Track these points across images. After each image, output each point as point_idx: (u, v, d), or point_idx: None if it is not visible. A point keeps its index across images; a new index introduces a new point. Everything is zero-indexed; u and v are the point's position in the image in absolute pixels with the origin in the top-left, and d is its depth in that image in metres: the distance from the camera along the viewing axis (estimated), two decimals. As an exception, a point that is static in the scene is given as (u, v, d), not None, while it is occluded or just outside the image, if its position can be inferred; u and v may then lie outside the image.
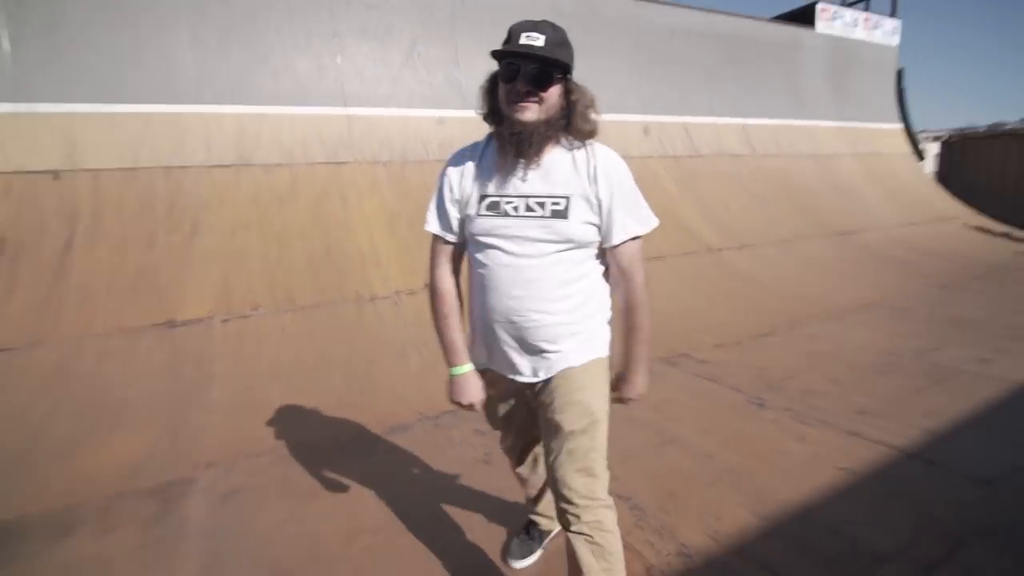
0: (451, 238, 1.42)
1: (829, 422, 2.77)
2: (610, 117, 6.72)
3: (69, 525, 2.11)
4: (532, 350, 1.35)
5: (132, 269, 3.83)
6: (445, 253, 1.44)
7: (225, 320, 3.70)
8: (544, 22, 1.25)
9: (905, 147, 10.48)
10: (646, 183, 7.21)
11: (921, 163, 10.69)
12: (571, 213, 1.28)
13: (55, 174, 4.06)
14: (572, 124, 1.29)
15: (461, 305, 1.47)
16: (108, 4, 4.34)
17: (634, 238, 1.33)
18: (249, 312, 3.81)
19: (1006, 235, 8.93)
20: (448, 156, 1.42)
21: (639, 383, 1.42)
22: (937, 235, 8.28)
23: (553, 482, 1.37)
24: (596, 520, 1.33)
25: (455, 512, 2.13)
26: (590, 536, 1.33)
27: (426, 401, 3.19)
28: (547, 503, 1.81)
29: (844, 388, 3.20)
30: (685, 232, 6.03)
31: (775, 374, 3.45)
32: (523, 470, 1.77)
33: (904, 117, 10.66)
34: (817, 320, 4.63)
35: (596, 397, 1.36)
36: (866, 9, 10.54)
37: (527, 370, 1.38)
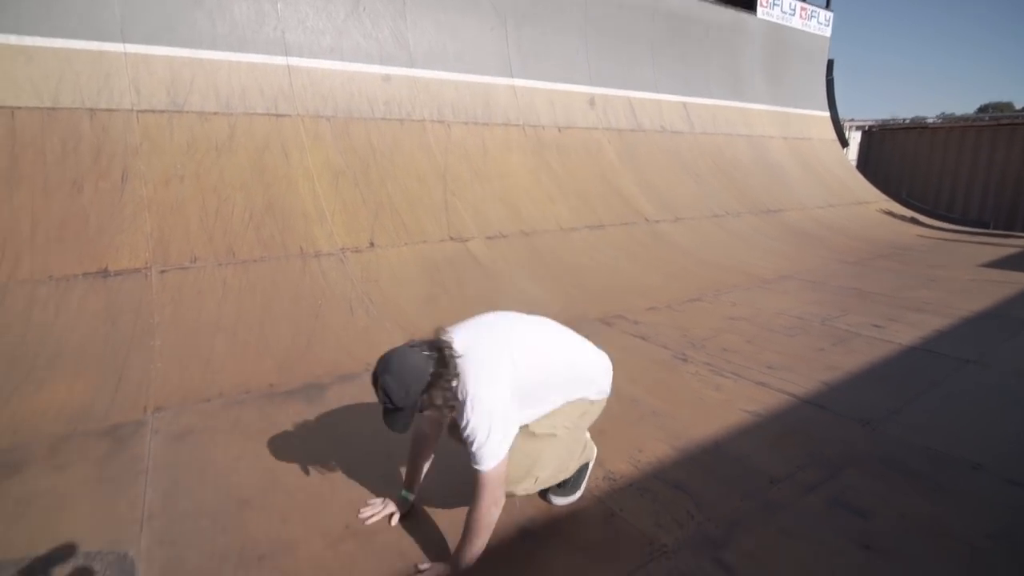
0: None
1: (742, 375, 3.09)
2: (557, 86, 6.86)
3: (16, 463, 2.10)
4: None
5: (58, 215, 3.63)
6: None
7: (163, 271, 3.60)
8: (376, 377, 1.53)
9: (831, 134, 11.22)
10: (590, 152, 7.40)
11: (845, 150, 11.49)
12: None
13: (-37, 109, 3.75)
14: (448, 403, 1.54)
15: None
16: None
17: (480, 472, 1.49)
18: (188, 264, 3.72)
19: (913, 220, 9.84)
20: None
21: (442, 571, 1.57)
22: (853, 217, 9.02)
23: None
24: None
25: (406, 445, 2.26)
26: None
27: (374, 353, 3.22)
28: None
29: (757, 347, 3.55)
30: (624, 203, 6.30)
31: (699, 334, 3.77)
32: None
33: (831, 105, 11.37)
34: (740, 288, 5.03)
35: None
36: (803, -1, 11.06)
37: None
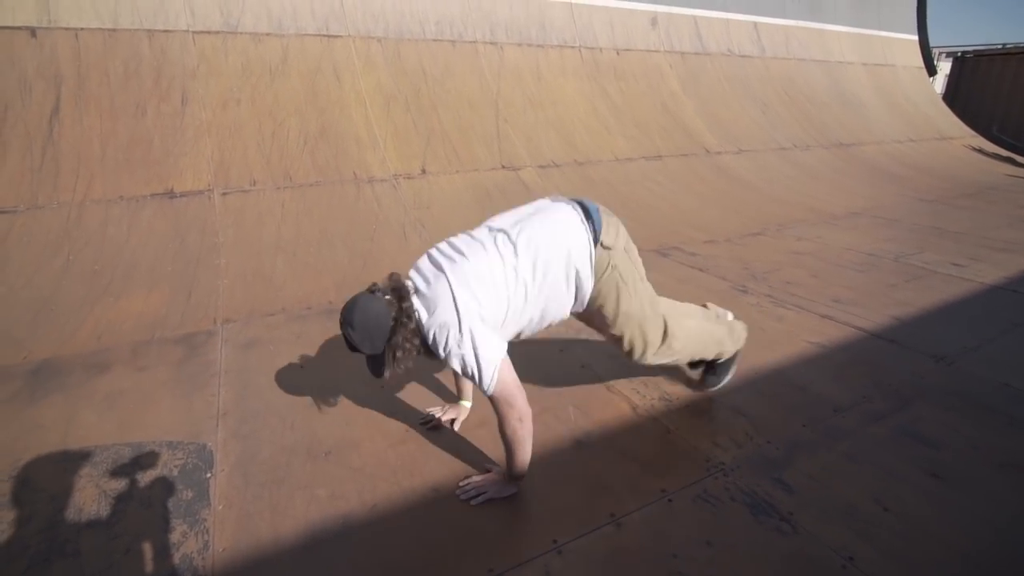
0: None
1: (805, 307, 2.95)
2: (617, 4, 6.41)
3: (103, 364, 2.27)
4: None
5: (125, 138, 3.75)
6: None
7: (224, 193, 3.70)
8: (343, 326, 1.46)
9: (918, 60, 10.15)
10: (650, 79, 6.97)
11: (932, 79, 10.40)
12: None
13: (32, 31, 3.84)
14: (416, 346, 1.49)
15: None
16: None
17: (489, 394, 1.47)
18: (247, 187, 3.80)
19: (1010, 160, 8.88)
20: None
21: (496, 480, 1.59)
22: (935, 153, 8.27)
23: None
24: None
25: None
26: None
27: (426, 276, 3.31)
28: None
29: (823, 281, 3.38)
30: (684, 133, 5.96)
31: (760, 267, 3.61)
32: None
33: (922, 28, 10.21)
34: (806, 224, 4.75)
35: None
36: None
37: None
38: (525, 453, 1.51)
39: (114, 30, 4.04)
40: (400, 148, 4.45)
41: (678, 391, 2.09)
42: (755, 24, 7.63)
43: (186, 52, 4.19)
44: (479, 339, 1.41)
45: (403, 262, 3.53)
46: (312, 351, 2.42)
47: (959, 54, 11.68)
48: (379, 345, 1.45)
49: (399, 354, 1.45)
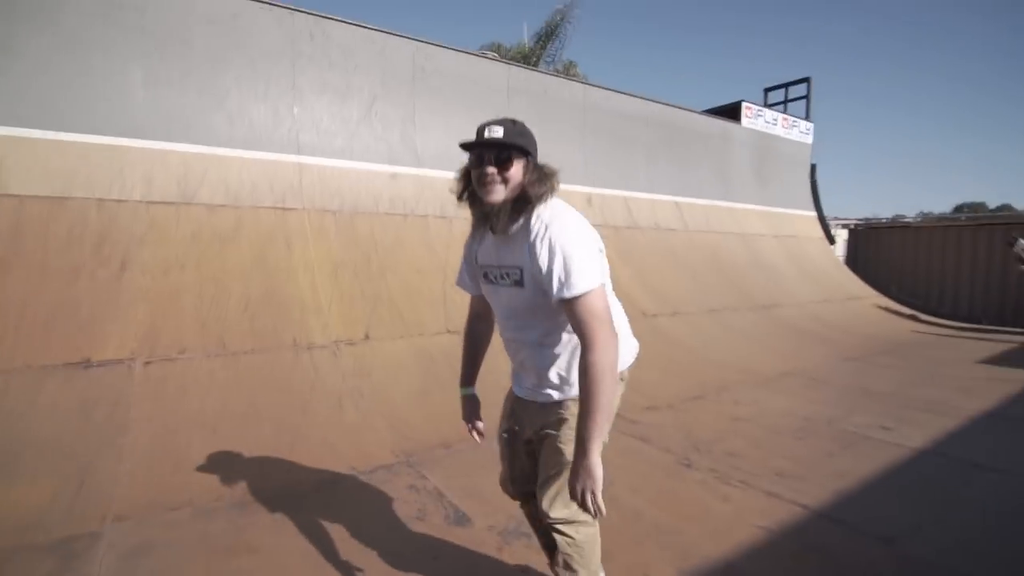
0: (473, 291, 1.71)
1: (750, 483, 2.91)
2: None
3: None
4: (539, 385, 1.57)
5: (50, 302, 3.59)
6: (471, 302, 1.78)
7: (148, 363, 3.50)
8: (505, 118, 1.43)
9: (818, 232, 11.57)
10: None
11: (832, 247, 11.79)
12: (525, 282, 1.43)
13: (-26, 198, 3.83)
14: (543, 189, 1.42)
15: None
16: (60, 30, 4.26)
17: (568, 300, 1.32)
18: (175, 355, 3.62)
19: (912, 316, 9.86)
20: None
21: (579, 468, 1.32)
22: (847, 313, 9.05)
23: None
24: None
25: (383, 570, 2.06)
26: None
27: (360, 455, 3.11)
28: None
29: (764, 451, 3.39)
30: (623, 298, 6.27)
31: (702, 436, 3.61)
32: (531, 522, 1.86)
33: (817, 205, 11.84)
34: (742, 386, 4.91)
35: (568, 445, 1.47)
36: (784, 111, 11.86)
37: (539, 396, 1.58)
38: (610, 397, 1.29)
39: (64, 198, 4.09)
40: (344, 313, 4.46)
41: (627, 596, 1.92)
42: (677, 203, 8.63)
43: (136, 220, 4.24)
44: (582, 245, 1.36)
45: (335, 436, 3.35)
46: (213, 559, 2.11)
47: (852, 226, 13.48)
48: (529, 144, 1.41)
49: (522, 171, 1.41)
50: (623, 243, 7.25)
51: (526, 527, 2.28)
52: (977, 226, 10.96)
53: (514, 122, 1.42)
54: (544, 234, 1.36)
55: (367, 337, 4.36)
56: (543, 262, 1.34)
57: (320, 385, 3.75)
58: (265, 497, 2.61)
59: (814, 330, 7.64)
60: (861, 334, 7.88)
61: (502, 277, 1.49)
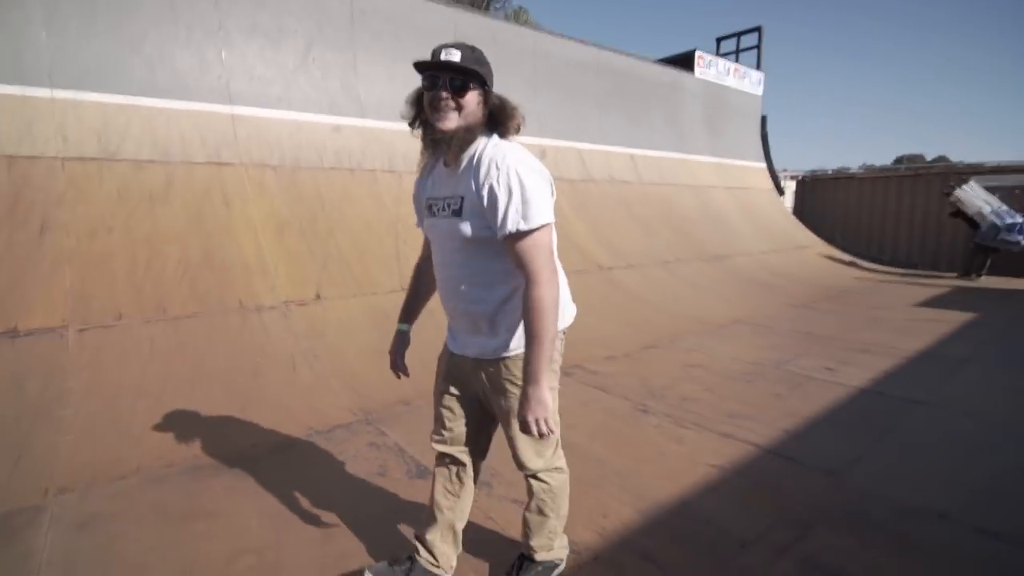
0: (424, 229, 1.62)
1: (704, 425, 3.02)
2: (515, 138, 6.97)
3: None
4: (477, 334, 1.48)
5: (-40, 271, 3.28)
6: (424, 241, 1.67)
7: (82, 330, 3.27)
8: (463, 43, 1.36)
9: (768, 183, 11.85)
10: (544, 202, 7.33)
11: (781, 198, 12.13)
12: (464, 211, 1.35)
13: None
14: (501, 126, 1.39)
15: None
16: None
17: (520, 233, 1.29)
18: (111, 322, 3.40)
19: (852, 263, 10.35)
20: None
21: (530, 398, 1.33)
22: (794, 261, 9.41)
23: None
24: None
25: (345, 528, 2.03)
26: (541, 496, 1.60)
27: (316, 415, 3.04)
28: (443, 550, 1.66)
29: (717, 395, 3.51)
30: (578, 251, 6.32)
31: (658, 383, 3.71)
32: (441, 484, 1.65)
33: (767, 157, 12.08)
34: (694, 334, 5.05)
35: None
36: (736, 61, 11.88)
37: (473, 351, 1.51)
38: (554, 330, 1.32)
39: (-35, 156, 3.68)
40: (293, 274, 4.27)
41: (587, 537, 1.96)
42: (631, 155, 8.60)
43: (52, 178, 3.88)
44: (539, 180, 1.33)
45: (290, 398, 3.25)
46: (166, 526, 2.03)
47: (800, 177, 13.88)
48: (487, 74, 1.36)
49: (477, 100, 1.36)
50: (578, 196, 7.21)
51: (490, 476, 2.30)
52: (915, 176, 11.46)
53: (472, 48, 1.36)
54: (500, 164, 1.31)
55: (318, 297, 4.21)
56: (498, 193, 1.29)
57: (271, 347, 3.61)
58: (219, 461, 2.52)
59: (763, 279, 7.92)
60: (807, 282, 8.22)
61: (443, 208, 1.43)
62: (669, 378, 3.82)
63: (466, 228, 1.35)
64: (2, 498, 2.18)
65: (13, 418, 2.66)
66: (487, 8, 14.54)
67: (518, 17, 15.60)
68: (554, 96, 7.62)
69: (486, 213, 1.31)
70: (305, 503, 2.20)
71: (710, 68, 10.66)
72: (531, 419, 1.33)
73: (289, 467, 2.50)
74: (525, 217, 1.28)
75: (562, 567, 1.73)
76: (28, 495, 2.22)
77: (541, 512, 1.61)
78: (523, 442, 1.51)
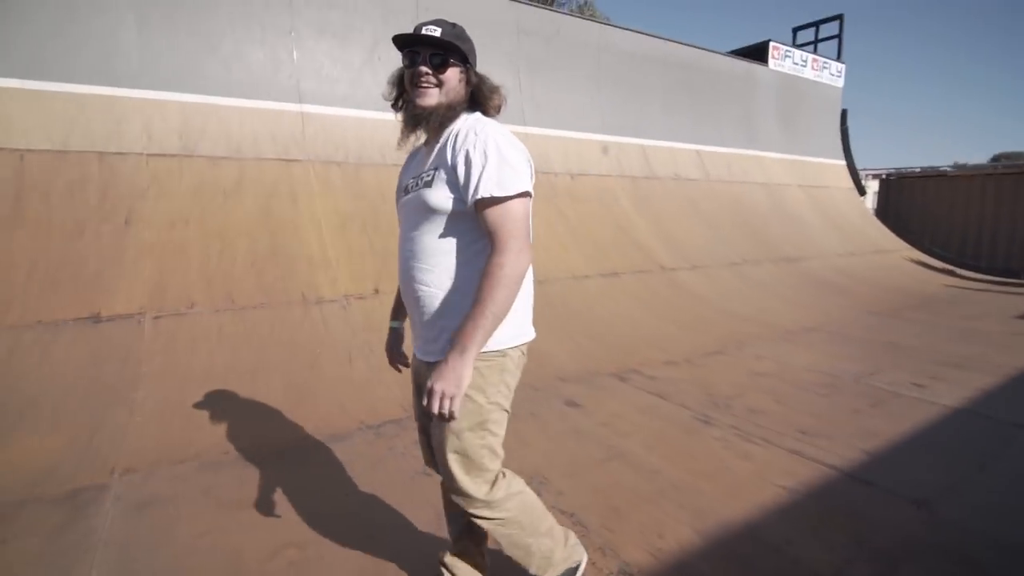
0: None
1: (772, 441, 2.80)
2: (570, 134, 6.82)
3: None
4: (426, 327, 1.34)
5: (56, 258, 3.54)
6: None
7: (157, 317, 3.45)
8: (443, 19, 1.33)
9: (847, 182, 11.06)
10: (604, 201, 7.24)
11: (862, 198, 11.29)
12: (435, 182, 1.27)
13: (-28, 153, 3.74)
14: (482, 105, 1.37)
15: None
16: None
17: (495, 199, 1.19)
18: (184, 310, 3.57)
19: (948, 271, 9.44)
20: None
21: (447, 367, 1.15)
22: (875, 266, 8.72)
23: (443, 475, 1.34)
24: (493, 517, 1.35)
25: (389, 527, 2.01)
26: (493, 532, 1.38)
27: (369, 410, 3.05)
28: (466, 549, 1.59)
29: (787, 408, 3.26)
30: (639, 251, 6.11)
31: (722, 392, 3.49)
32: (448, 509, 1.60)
33: (847, 154, 11.27)
34: (763, 341, 4.74)
35: (479, 394, 1.26)
36: (814, 51, 11.15)
37: (422, 350, 1.37)
38: (505, 304, 1.17)
39: (63, 151, 3.98)
40: (354, 268, 4.35)
41: (640, 559, 1.84)
42: (698, 151, 8.24)
43: (138, 173, 4.14)
44: (518, 153, 1.26)
45: (343, 393, 3.29)
46: (219, 512, 2.08)
47: (884, 176, 12.86)
48: (468, 50, 1.33)
49: (459, 76, 1.33)
50: (640, 193, 6.98)
51: (533, 476, 2.21)
52: (1018, 174, 10.35)
53: (453, 25, 1.34)
54: (479, 132, 1.25)
55: (377, 292, 4.27)
56: (473, 157, 1.21)
57: (329, 340, 3.68)
58: (272, 451, 2.57)
59: (840, 284, 7.37)
60: (890, 288, 7.59)
61: (416, 184, 1.33)
62: (735, 387, 3.59)
63: (430, 196, 1.26)
64: (73, 475, 2.31)
65: (91, 398, 2.84)
66: (551, 3, 14.40)
67: (583, 11, 15.36)
68: (618, 91, 7.40)
69: (459, 182, 1.23)
70: (351, 499, 2.20)
71: (785, 60, 10.06)
72: (437, 389, 1.14)
73: (339, 461, 2.52)
74: (500, 183, 1.19)
75: (582, 566, 1.56)
76: (96, 473, 2.34)
77: (516, 546, 1.39)
78: (452, 458, 1.28)
